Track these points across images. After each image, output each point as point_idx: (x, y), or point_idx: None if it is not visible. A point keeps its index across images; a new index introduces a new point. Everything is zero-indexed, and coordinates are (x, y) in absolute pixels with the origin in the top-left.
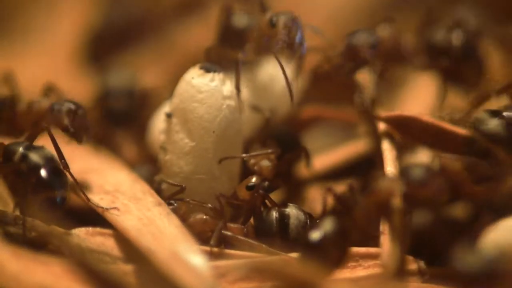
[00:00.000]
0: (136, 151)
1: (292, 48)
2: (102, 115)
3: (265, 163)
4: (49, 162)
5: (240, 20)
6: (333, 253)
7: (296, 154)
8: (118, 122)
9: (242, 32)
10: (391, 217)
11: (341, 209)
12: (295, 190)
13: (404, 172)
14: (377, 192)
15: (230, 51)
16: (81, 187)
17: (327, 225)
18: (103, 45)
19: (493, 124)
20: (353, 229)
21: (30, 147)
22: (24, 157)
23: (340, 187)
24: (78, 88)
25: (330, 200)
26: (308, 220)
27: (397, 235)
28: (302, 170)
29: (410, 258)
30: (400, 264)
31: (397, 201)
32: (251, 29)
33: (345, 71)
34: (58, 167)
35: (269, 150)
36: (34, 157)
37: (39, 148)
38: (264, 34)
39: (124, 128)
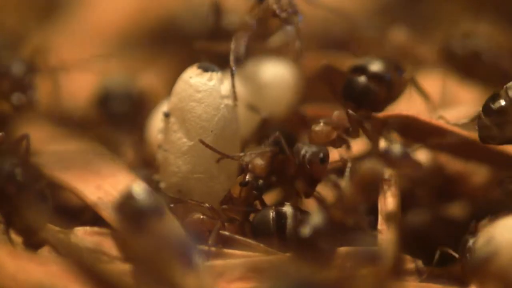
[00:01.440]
0: (134, 152)
1: (286, 18)
2: (102, 117)
3: (258, 161)
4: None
5: (231, 18)
6: (325, 246)
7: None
8: (117, 123)
9: (232, 30)
10: (377, 198)
11: (328, 201)
12: (293, 190)
13: (384, 152)
14: (361, 174)
15: (220, 48)
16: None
17: (316, 219)
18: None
19: None
20: (341, 218)
21: (18, 165)
22: (11, 176)
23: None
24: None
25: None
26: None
27: (395, 234)
28: None
29: (408, 257)
30: (398, 263)
31: (381, 182)
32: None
33: None
34: (43, 191)
35: (267, 149)
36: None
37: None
38: (254, 17)
39: (123, 129)
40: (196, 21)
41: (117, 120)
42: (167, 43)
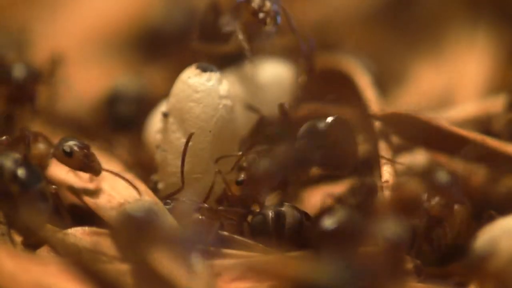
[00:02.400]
0: (133, 152)
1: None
2: (107, 118)
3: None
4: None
5: (226, 20)
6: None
7: None
8: (123, 127)
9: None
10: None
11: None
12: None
13: (429, 174)
14: (401, 190)
15: (212, 47)
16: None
17: (342, 214)
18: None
19: None
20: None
21: (21, 165)
22: (15, 176)
23: (337, 188)
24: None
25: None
26: (304, 220)
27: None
28: None
29: (408, 257)
30: (397, 263)
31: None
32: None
33: None
34: (43, 191)
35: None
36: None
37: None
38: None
39: (129, 133)
40: (174, 24)
41: (124, 122)
42: (152, 46)
